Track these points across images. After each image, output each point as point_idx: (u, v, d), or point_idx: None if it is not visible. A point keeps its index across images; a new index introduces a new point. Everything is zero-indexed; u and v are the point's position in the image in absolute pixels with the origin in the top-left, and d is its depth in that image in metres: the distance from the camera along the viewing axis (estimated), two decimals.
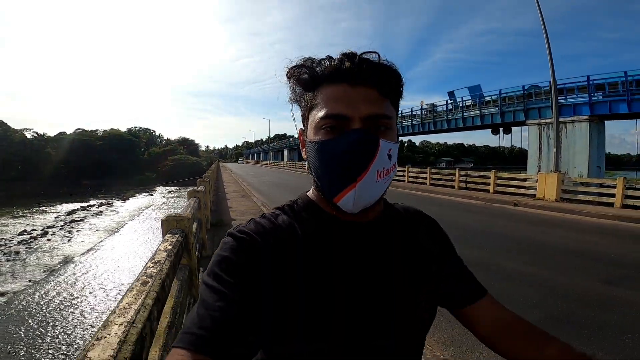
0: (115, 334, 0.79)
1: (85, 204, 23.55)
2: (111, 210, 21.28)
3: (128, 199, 27.13)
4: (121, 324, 0.84)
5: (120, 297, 1.07)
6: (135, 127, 77.76)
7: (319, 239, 0.56)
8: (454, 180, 15.60)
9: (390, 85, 0.56)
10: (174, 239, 1.97)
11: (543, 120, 15.12)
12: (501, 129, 18.98)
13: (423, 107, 24.13)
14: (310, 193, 0.64)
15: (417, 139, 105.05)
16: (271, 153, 76.72)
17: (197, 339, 0.45)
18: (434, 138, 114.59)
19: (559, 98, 13.11)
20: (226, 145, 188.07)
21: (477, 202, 11.92)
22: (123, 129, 63.74)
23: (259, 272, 0.51)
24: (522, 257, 5.32)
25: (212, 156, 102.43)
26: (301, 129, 0.62)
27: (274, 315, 0.50)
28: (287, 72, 0.58)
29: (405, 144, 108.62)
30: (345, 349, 0.53)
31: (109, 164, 44.68)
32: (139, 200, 26.86)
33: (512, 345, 0.63)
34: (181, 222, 2.44)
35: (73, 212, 20.46)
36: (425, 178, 17.32)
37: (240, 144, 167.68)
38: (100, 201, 25.25)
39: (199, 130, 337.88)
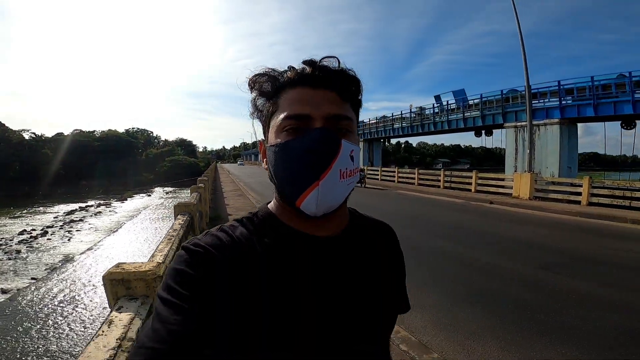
0: (160, 257, 1.56)
1: (83, 205, 24.13)
2: (110, 211, 21.85)
3: (126, 200, 27.71)
4: (161, 254, 1.67)
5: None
6: (133, 128, 78.20)
7: (282, 253, 0.55)
8: (439, 180, 16.39)
9: (350, 89, 0.57)
10: (184, 218, 2.74)
11: (519, 123, 15.92)
12: (483, 132, 19.84)
13: (412, 110, 25.03)
14: (271, 205, 0.62)
15: (414, 140, 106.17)
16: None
17: (152, 352, 0.44)
18: (431, 139, 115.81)
19: (533, 102, 13.96)
20: (224, 146, 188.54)
21: (458, 201, 12.66)
22: (121, 129, 64.38)
23: (215, 285, 0.50)
24: (481, 247, 6.04)
25: (210, 157, 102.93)
26: (261, 140, 0.62)
27: (233, 328, 0.50)
28: (249, 81, 0.58)
29: (402, 145, 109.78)
30: (316, 356, 0.53)
31: (107, 165, 45.20)
32: (137, 201, 27.40)
33: None
34: (188, 207, 3.29)
35: (72, 212, 21.02)
36: (414, 178, 18.13)
37: (238, 145, 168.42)
38: (98, 202, 25.81)
39: (197, 131, 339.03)
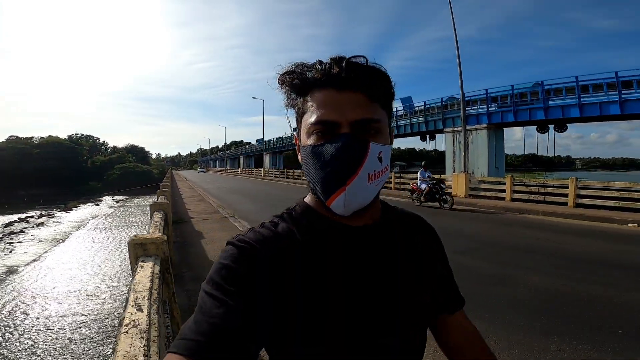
0: (153, 229, 2.12)
1: (23, 216, 22.45)
2: (53, 221, 20.58)
3: (71, 210, 26.11)
4: (155, 229, 2.20)
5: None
6: (77, 134, 73.22)
7: (319, 245, 0.57)
8: (390, 182, 17.71)
9: (378, 88, 0.56)
10: (160, 214, 3.30)
11: (455, 128, 17.80)
12: (427, 136, 21.78)
13: None
14: (308, 198, 0.63)
15: None
16: (227, 160, 76.22)
17: (193, 344, 0.45)
18: (400, 143, 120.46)
19: (467, 109, 15.80)
20: (179, 153, 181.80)
21: (404, 200, 13.92)
22: (63, 136, 59.97)
23: (258, 281, 0.51)
24: None
25: (164, 164, 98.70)
26: (296, 133, 0.63)
27: (273, 323, 0.51)
28: (279, 79, 0.58)
29: None
30: (347, 350, 0.54)
31: (48, 174, 42.02)
32: (84, 211, 25.95)
33: (465, 356, 0.71)
34: (162, 205, 3.86)
35: (10, 224, 19.54)
36: None
37: (194, 151, 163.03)
38: (40, 212, 24.11)
39: (149, 138, 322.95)
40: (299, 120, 0.60)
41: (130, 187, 40.26)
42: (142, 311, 1.34)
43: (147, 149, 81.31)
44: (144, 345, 1.08)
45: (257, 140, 57.59)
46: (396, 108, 23.72)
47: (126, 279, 7.36)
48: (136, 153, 69.14)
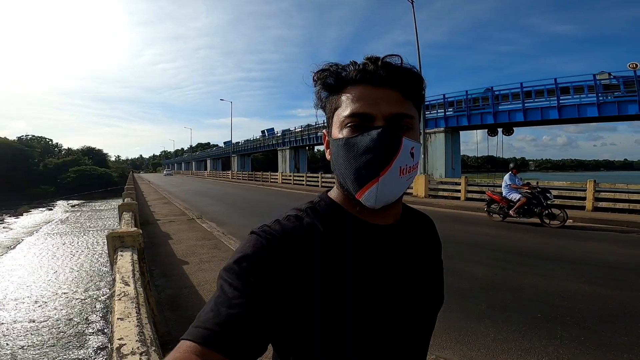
0: (125, 227, 2.34)
1: None
2: (3, 227, 19.24)
3: (22, 215, 24.44)
4: (128, 226, 2.36)
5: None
6: (27, 135, 68.13)
7: (343, 242, 0.56)
8: None
9: (412, 87, 0.57)
10: (129, 214, 3.48)
11: None
12: None
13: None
14: (332, 193, 0.63)
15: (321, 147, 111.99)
16: (193, 163, 74.06)
17: (208, 334, 0.45)
18: None
19: (426, 113, 16.81)
20: (141, 155, 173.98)
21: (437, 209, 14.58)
22: (12, 137, 55.65)
23: (281, 273, 0.50)
24: None
25: (125, 167, 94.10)
26: (325, 131, 0.63)
27: (291, 318, 0.51)
28: (314, 77, 0.60)
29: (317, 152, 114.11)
30: (366, 351, 0.54)
31: None
32: (36, 216, 24.34)
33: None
34: (131, 206, 3.97)
35: None
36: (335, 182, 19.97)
37: (158, 153, 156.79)
38: None
39: (108, 139, 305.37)
40: (330, 117, 0.60)
41: (86, 191, 38.23)
42: (129, 285, 1.60)
43: (105, 151, 76.96)
44: (135, 307, 1.35)
45: (224, 143, 56.62)
46: None
47: (84, 284, 7.20)
48: (93, 155, 65.31)
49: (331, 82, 0.59)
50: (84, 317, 5.29)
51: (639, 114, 13.93)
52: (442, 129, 17.53)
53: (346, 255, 0.56)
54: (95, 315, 5.26)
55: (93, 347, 4.34)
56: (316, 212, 0.59)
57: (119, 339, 1.17)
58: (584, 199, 10.09)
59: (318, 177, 21.86)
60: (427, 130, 17.48)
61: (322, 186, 20.96)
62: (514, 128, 18.28)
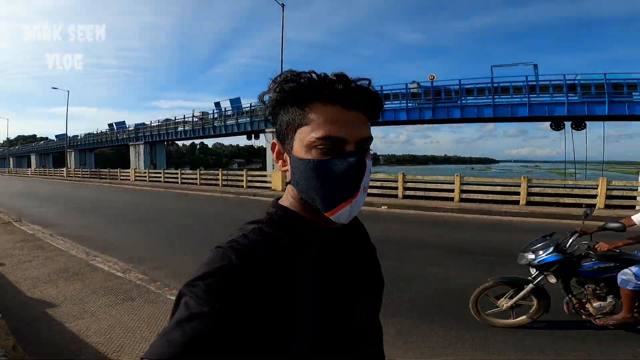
0: None
1: None
2: None
3: None
4: None
5: None
6: None
7: (310, 249, 0.58)
8: (218, 179, 18.45)
9: (375, 110, 0.60)
10: None
11: (269, 130, 20.20)
12: (253, 135, 23.80)
13: (195, 115, 26.53)
14: (286, 202, 0.63)
15: (210, 142, 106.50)
16: (12, 159, 57.78)
17: (175, 352, 0.43)
18: (227, 140, 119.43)
19: None
20: None
21: (231, 196, 15.00)
22: None
23: (253, 290, 0.50)
24: (211, 225, 8.16)
25: None
26: (277, 142, 0.62)
27: (266, 332, 0.50)
28: (274, 86, 0.57)
29: (198, 147, 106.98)
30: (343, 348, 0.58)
31: None
32: None
33: None
34: None
35: None
36: (196, 178, 19.50)
37: None
38: None
39: None
40: (291, 130, 0.58)
41: None
42: None
43: None
44: None
45: (57, 136, 46.55)
46: (224, 108, 24.75)
47: None
48: None
49: (296, 93, 0.57)
50: None
51: (432, 119, 18.48)
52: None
53: (315, 262, 0.58)
54: None
55: None
56: (277, 223, 0.60)
57: None
58: (396, 188, 12.73)
59: (177, 174, 20.94)
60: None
61: (182, 182, 20.18)
62: None
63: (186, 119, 27.41)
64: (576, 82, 15.55)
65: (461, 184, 11.48)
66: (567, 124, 17.00)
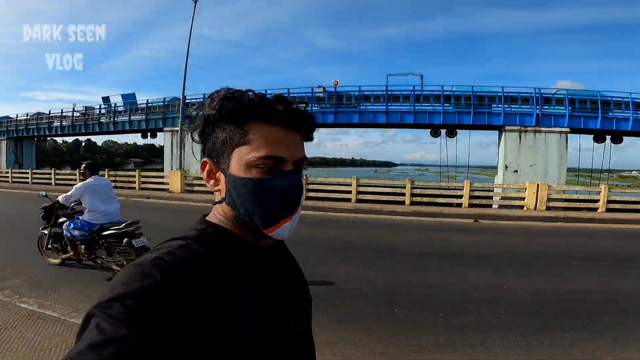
0: None
1: None
2: None
3: None
4: None
5: None
6: None
7: (243, 266, 0.58)
8: (135, 182, 16.23)
9: (311, 132, 0.63)
10: None
11: (174, 128, 19.02)
12: (149, 134, 21.86)
13: (75, 109, 23.29)
14: (215, 218, 0.62)
15: (99, 139, 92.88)
16: None
17: None
18: (121, 139, 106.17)
19: (185, 109, 17.30)
20: None
21: (121, 198, 13.31)
22: None
23: (178, 312, 0.46)
24: None
25: None
26: (209, 160, 0.60)
27: (194, 353, 0.47)
28: (212, 102, 0.57)
29: (83, 144, 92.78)
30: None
31: None
32: None
33: None
34: None
35: None
36: (76, 180, 16.83)
37: None
38: None
39: None
40: (226, 149, 0.58)
41: None
42: None
43: None
44: None
45: None
46: (115, 104, 22.30)
47: None
48: None
49: (236, 112, 0.56)
50: None
51: (334, 122, 19.40)
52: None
53: (252, 279, 0.58)
54: None
55: None
56: (205, 240, 0.58)
57: None
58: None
59: (51, 174, 17.88)
60: (186, 127, 17.71)
61: (55, 184, 17.25)
62: None
63: (64, 114, 23.88)
64: (451, 93, 17.68)
65: (358, 185, 12.40)
66: (443, 131, 19.31)
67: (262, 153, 0.56)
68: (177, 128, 18.12)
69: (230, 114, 0.56)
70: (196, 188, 14.67)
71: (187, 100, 18.18)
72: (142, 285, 0.46)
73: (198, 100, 19.19)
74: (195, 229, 0.60)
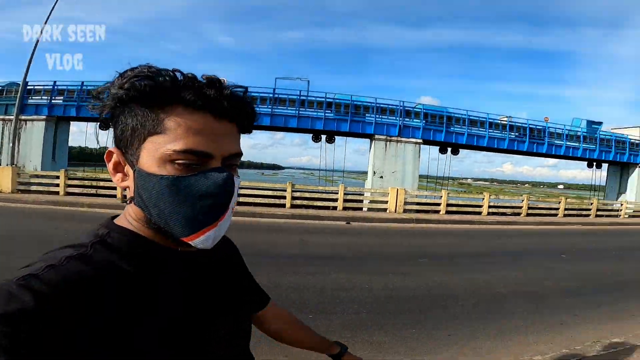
0: None
1: None
2: None
3: None
4: None
5: None
6: None
7: (157, 276, 0.50)
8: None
9: (250, 123, 0.53)
10: None
11: (7, 117, 15.34)
12: None
13: None
14: (125, 222, 0.52)
15: None
16: None
17: None
18: None
19: (29, 98, 13.97)
20: None
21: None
22: None
23: (63, 342, 0.38)
24: None
25: None
26: (116, 150, 0.50)
27: None
28: (121, 80, 0.46)
29: None
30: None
31: None
32: None
33: (288, 334, 0.88)
34: None
35: None
36: None
37: None
38: None
39: None
40: (137, 137, 0.48)
41: None
42: None
43: None
44: None
45: None
46: None
47: None
48: None
49: (150, 93, 0.46)
50: None
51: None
52: (43, 117, 15.31)
53: (166, 291, 0.51)
54: None
55: None
56: (110, 246, 0.49)
57: None
58: None
59: None
60: (24, 117, 14.64)
61: None
62: None
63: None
64: (332, 100, 18.61)
65: (240, 188, 12.06)
66: (324, 137, 20.16)
67: (180, 146, 0.46)
68: (11, 117, 14.37)
69: (143, 96, 0.46)
70: (33, 187, 11.94)
71: (30, 87, 15.01)
72: (4, 311, 0.37)
73: (47, 87, 15.68)
74: (95, 234, 0.50)
